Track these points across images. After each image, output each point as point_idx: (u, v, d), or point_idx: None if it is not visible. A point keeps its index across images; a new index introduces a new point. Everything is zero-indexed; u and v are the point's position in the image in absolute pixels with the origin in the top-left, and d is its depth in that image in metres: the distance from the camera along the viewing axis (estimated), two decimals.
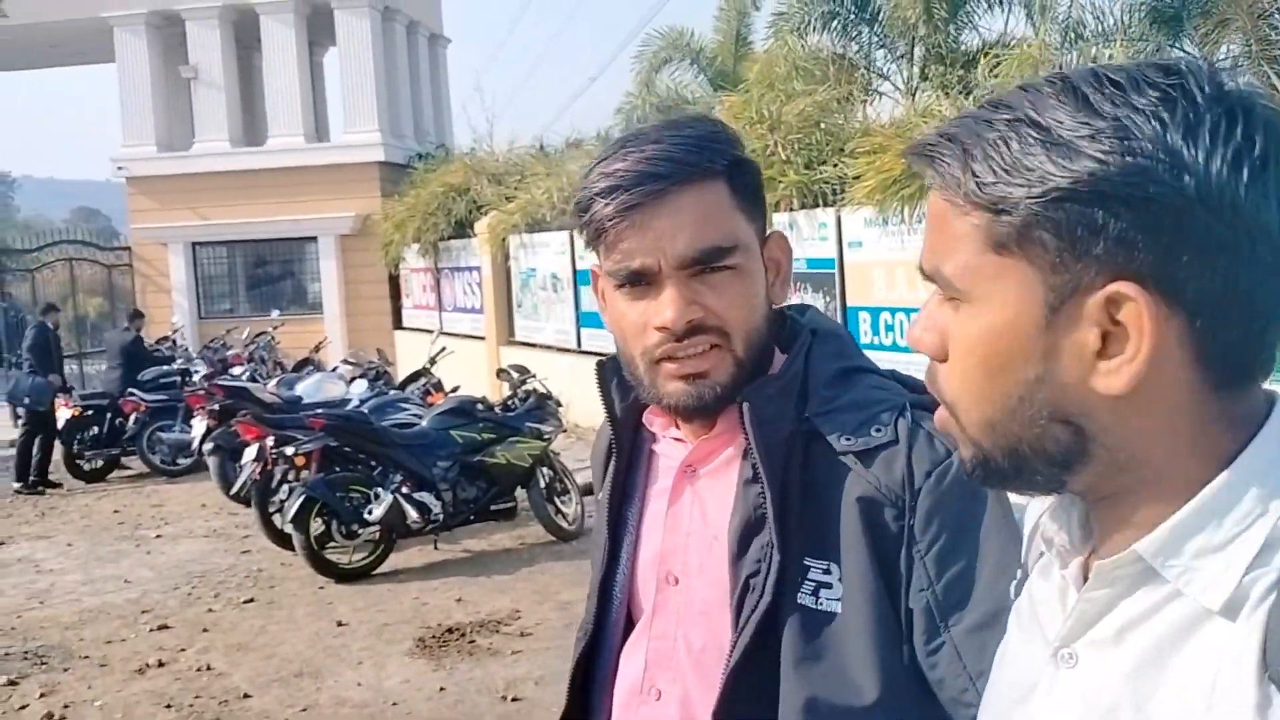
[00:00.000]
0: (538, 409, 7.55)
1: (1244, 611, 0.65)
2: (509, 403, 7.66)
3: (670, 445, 1.22)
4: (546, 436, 7.45)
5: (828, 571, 1.04)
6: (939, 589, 1.00)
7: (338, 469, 7.12)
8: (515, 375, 7.81)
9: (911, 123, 7.78)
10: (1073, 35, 8.97)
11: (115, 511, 9.26)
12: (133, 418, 10.88)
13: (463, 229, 14.55)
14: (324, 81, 20.43)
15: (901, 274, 7.02)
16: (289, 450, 6.93)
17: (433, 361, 9.05)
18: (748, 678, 1.07)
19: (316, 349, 12.75)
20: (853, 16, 10.93)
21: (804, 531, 1.06)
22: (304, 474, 7.20)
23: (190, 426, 10.61)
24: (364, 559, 6.87)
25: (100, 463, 10.84)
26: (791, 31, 10.38)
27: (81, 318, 18.82)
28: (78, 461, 10.66)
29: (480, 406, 7.49)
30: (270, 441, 7.39)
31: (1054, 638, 0.74)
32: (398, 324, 17.44)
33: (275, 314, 17.16)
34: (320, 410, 7.45)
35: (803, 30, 10.51)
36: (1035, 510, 0.87)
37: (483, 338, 13.97)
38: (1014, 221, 0.67)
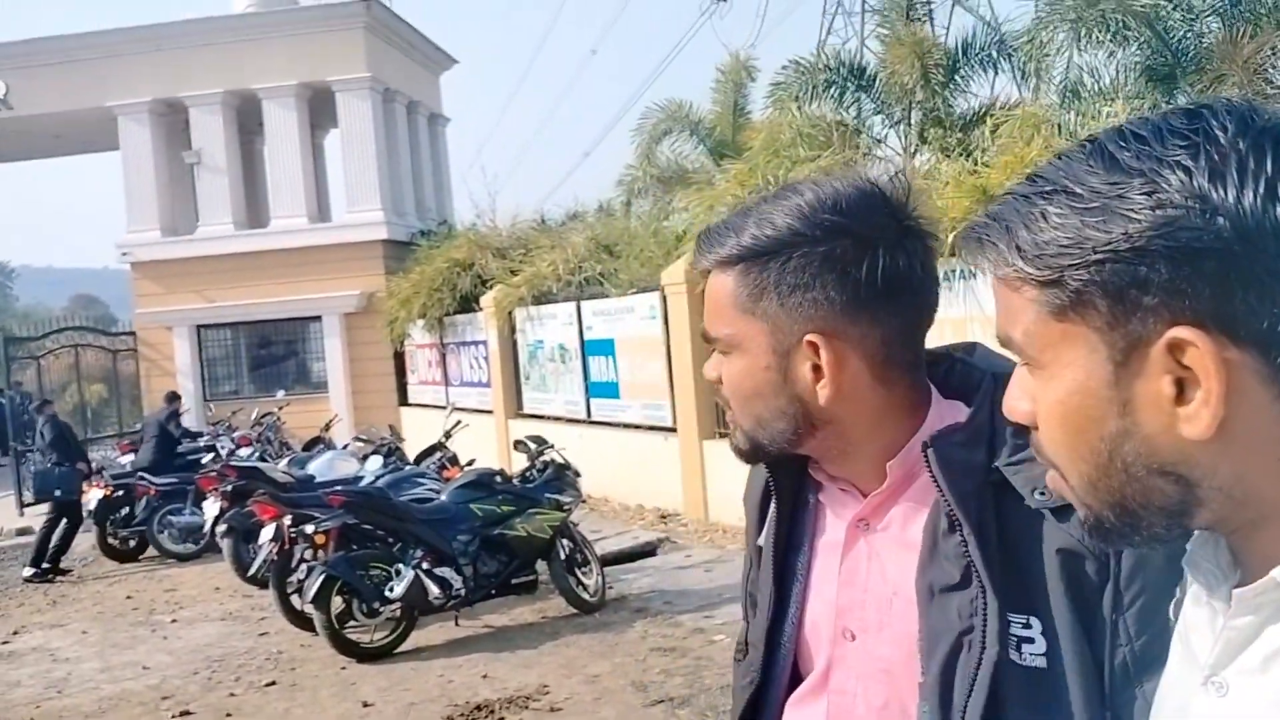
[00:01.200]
0: (556, 479, 7.52)
1: None
2: (527, 474, 7.63)
3: (837, 496, 1.21)
4: (566, 507, 7.41)
5: (1028, 625, 1.01)
6: (1137, 647, 0.97)
7: (355, 547, 7.06)
8: (533, 446, 7.79)
9: (911, 179, 7.88)
10: (1070, 95, 9.13)
11: (128, 597, 9.16)
12: (143, 502, 10.84)
13: (468, 304, 14.64)
14: (325, 162, 20.68)
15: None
16: (308, 529, 6.89)
17: (448, 435, 9.04)
18: None
19: (327, 427, 12.74)
20: (850, 83, 11.12)
21: (1005, 584, 1.01)
22: (321, 553, 7.17)
23: (200, 509, 10.58)
24: (386, 637, 6.78)
25: (134, 542, 10.80)
26: (791, 100, 10.56)
27: (84, 404, 18.81)
28: (110, 541, 10.63)
29: (499, 479, 7.46)
30: (288, 521, 7.34)
31: (1204, 665, 0.75)
32: (403, 400, 17.44)
33: (280, 394, 17.18)
34: (338, 488, 7.40)
35: (801, 99, 10.69)
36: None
37: (490, 411, 13.96)
38: (1064, 291, 0.70)
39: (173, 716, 5.91)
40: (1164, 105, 9.17)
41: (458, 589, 6.91)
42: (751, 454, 1.20)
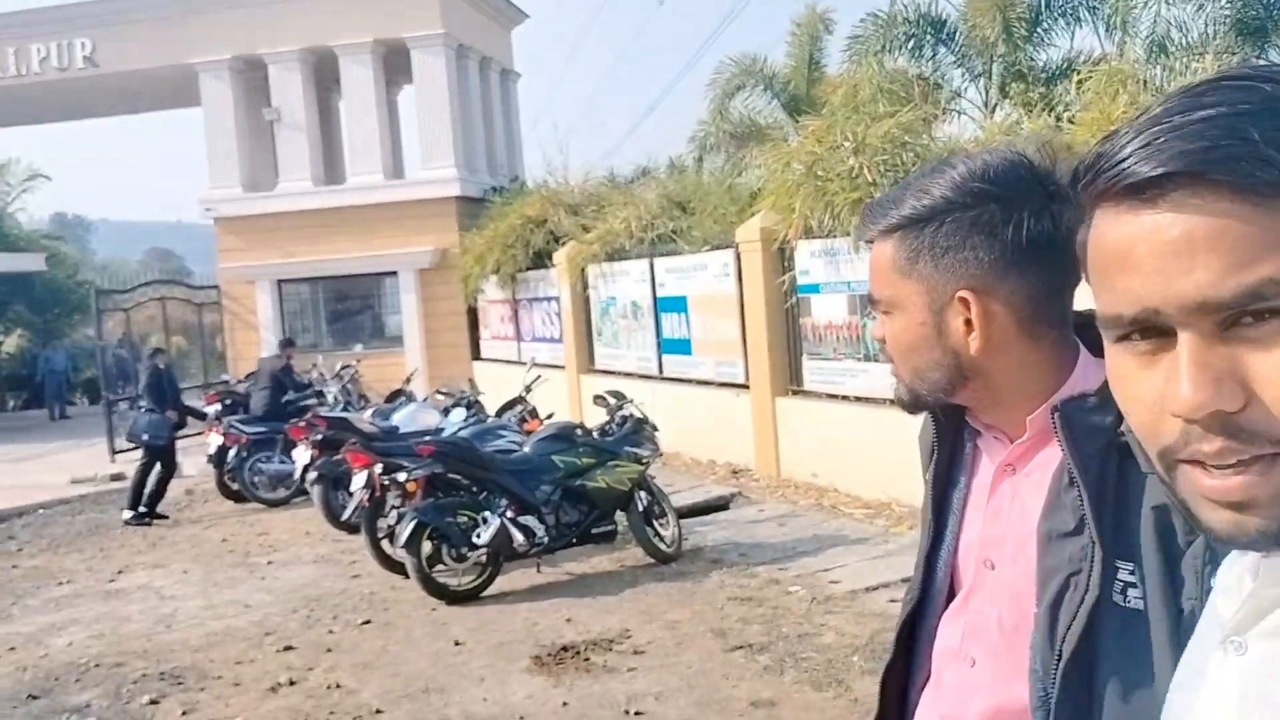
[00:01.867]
0: (635, 433, 7.71)
1: None
2: (606, 428, 7.82)
3: (990, 442, 1.35)
4: (644, 460, 7.59)
5: (1132, 572, 1.11)
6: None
7: (441, 495, 7.33)
8: (613, 401, 7.98)
9: (996, 141, 7.86)
10: (1157, 50, 8.98)
11: (223, 540, 9.57)
12: (235, 449, 11.27)
13: (541, 260, 14.83)
14: (399, 119, 20.92)
15: None
16: (401, 477, 7.16)
17: (528, 389, 9.27)
18: (1071, 675, 1.13)
19: (407, 381, 13.06)
20: (929, 37, 11.02)
21: (1114, 535, 1.12)
22: (409, 500, 7.47)
23: (289, 458, 11.00)
24: (473, 581, 7.05)
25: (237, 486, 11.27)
26: (870, 54, 10.50)
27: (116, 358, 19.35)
28: (228, 483, 11.08)
29: (579, 432, 7.66)
30: (378, 469, 7.64)
31: (1227, 625, 0.76)
32: (476, 355, 17.75)
33: (358, 347, 17.62)
34: (428, 438, 7.65)
35: (881, 52, 10.63)
36: None
37: (562, 366, 14.19)
38: None
39: (276, 651, 6.23)
40: (1254, 59, 8.97)
41: (540, 537, 7.15)
42: (912, 404, 1.34)
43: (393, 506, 7.54)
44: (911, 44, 11.17)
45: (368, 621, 6.69)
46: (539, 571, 7.40)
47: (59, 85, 19.13)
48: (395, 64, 18.50)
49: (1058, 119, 8.05)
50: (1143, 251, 0.69)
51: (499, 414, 9.12)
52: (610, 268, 12.84)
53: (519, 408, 8.97)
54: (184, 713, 5.34)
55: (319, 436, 9.68)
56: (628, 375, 12.56)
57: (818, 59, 14.24)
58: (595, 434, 7.70)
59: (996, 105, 10.66)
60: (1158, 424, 0.71)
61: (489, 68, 19.85)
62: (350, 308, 19.26)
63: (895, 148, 8.22)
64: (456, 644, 6.14)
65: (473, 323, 17.88)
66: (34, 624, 7.10)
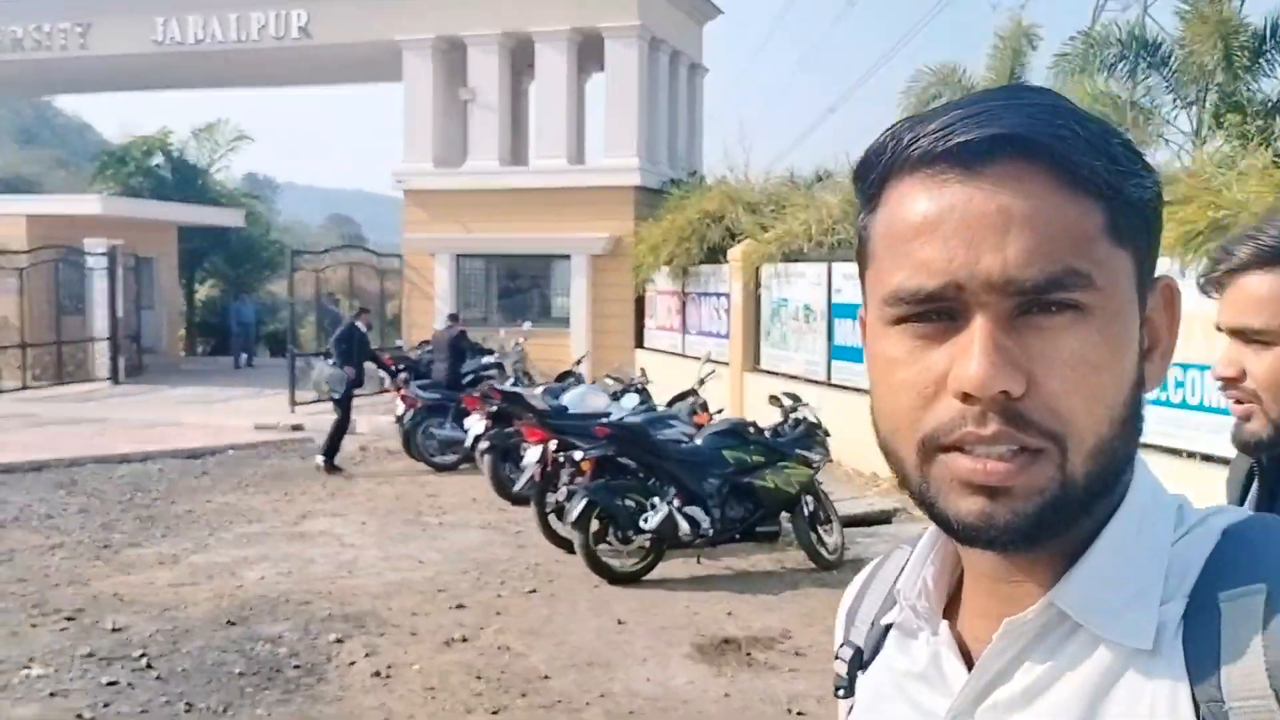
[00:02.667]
0: (807, 437, 7.74)
1: (1165, 644, 0.67)
2: (779, 429, 7.87)
3: None
4: (814, 465, 7.62)
5: None
6: None
7: (610, 476, 7.51)
8: (787, 402, 8.02)
9: (1207, 173, 7.56)
10: None
11: (396, 498, 10.03)
12: (410, 413, 11.78)
13: (714, 255, 14.93)
14: (585, 106, 21.34)
15: (1199, 329, 6.82)
16: (576, 455, 7.38)
17: (701, 383, 9.39)
18: None
19: (578, 363, 13.40)
20: (1141, 59, 10.64)
21: None
22: (578, 479, 7.69)
23: (460, 425, 11.43)
24: (636, 564, 7.22)
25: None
26: (1077, 73, 10.21)
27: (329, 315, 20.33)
28: (422, 446, 11.60)
29: (751, 429, 7.74)
30: (552, 445, 7.89)
31: (944, 711, 0.73)
32: (639, 343, 18.00)
33: (527, 325, 18.08)
34: (604, 420, 7.85)
35: (1089, 71, 10.32)
36: (856, 590, 0.91)
37: (726, 363, 14.27)
38: None
39: (449, 608, 6.53)
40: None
41: (705, 529, 7.27)
42: (1271, 443, 1.32)
43: (564, 484, 7.78)
44: (1121, 65, 10.80)
45: (534, 590, 6.94)
46: (699, 563, 7.53)
47: (274, 53, 20.25)
48: (588, 52, 18.89)
49: (1276, 155, 7.67)
50: (955, 222, 0.66)
51: (670, 405, 9.27)
52: (786, 269, 12.85)
53: (690, 400, 9.10)
54: (366, 654, 5.67)
55: (493, 408, 10.03)
56: (793, 378, 12.54)
57: (1019, 74, 13.91)
58: (767, 434, 7.76)
59: (1208, 136, 10.21)
60: (927, 408, 0.68)
61: (678, 61, 20.07)
62: (520, 286, 19.79)
63: None
64: (619, 622, 6.31)
65: (639, 311, 18.13)
66: (228, 556, 7.62)
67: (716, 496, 7.36)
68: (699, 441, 7.66)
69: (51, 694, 4.92)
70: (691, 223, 15.21)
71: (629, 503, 7.19)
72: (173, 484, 10.18)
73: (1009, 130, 0.66)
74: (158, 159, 26.23)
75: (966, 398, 0.65)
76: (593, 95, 21.11)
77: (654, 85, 18.87)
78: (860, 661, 0.85)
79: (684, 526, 7.17)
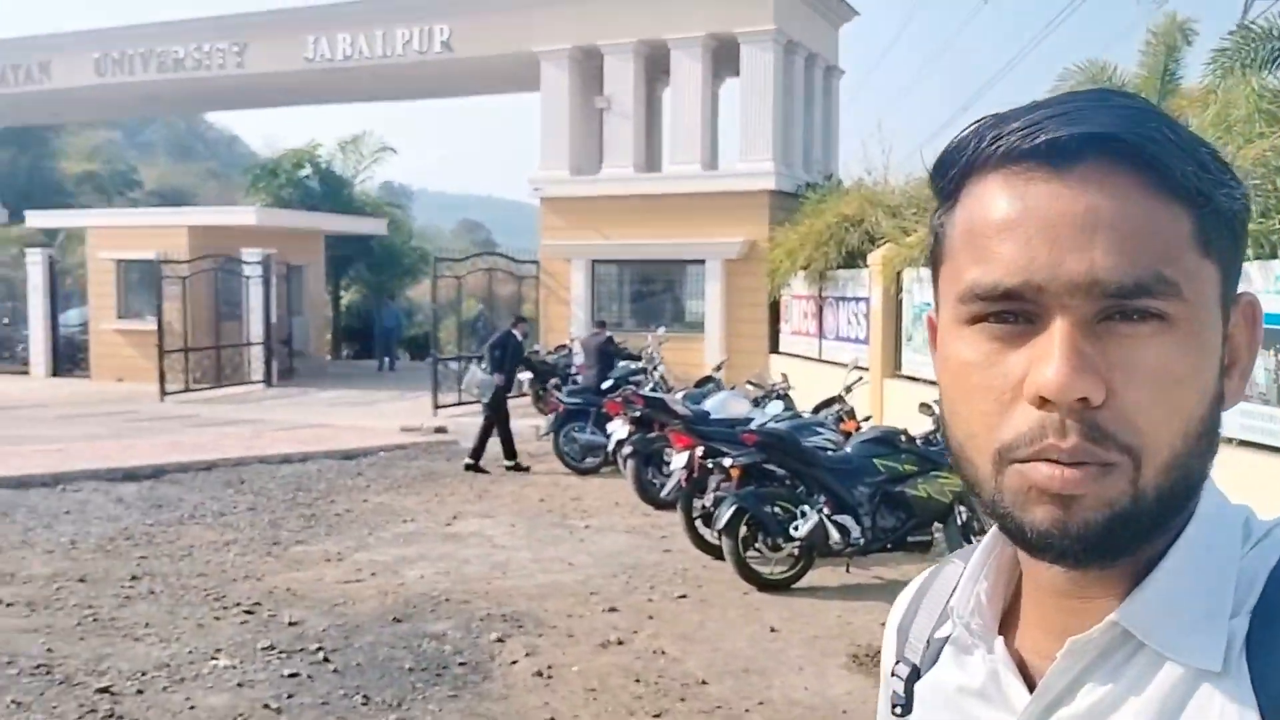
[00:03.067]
0: None
1: (1231, 663, 0.65)
2: (931, 437, 7.77)
3: None
4: None
5: None
6: None
7: (755, 483, 7.53)
8: (938, 410, 7.90)
9: None
10: None
11: (540, 500, 10.25)
12: (552, 417, 12.02)
13: (853, 259, 14.78)
14: (718, 111, 21.39)
15: None
16: (726, 461, 7.42)
17: (848, 390, 9.34)
18: None
19: (717, 369, 13.44)
20: None
21: None
22: (724, 485, 7.74)
23: (600, 430, 11.61)
24: (785, 572, 7.22)
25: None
26: (1237, 68, 9.78)
27: (469, 322, 20.86)
28: (564, 450, 11.88)
29: (903, 438, 7.66)
30: (699, 451, 7.96)
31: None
32: (774, 348, 17.94)
33: (661, 330, 18.22)
34: (754, 427, 7.88)
35: (1252, 66, 9.87)
36: (906, 605, 0.89)
37: (865, 369, 14.11)
38: None
39: (602, 610, 6.65)
40: None
41: (856, 537, 7.22)
42: None
43: (713, 490, 7.83)
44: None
45: (684, 596, 7.01)
46: (848, 571, 7.49)
47: (416, 67, 20.90)
48: (722, 57, 18.94)
49: None
50: (1038, 221, 0.64)
51: (815, 412, 9.24)
52: (929, 273, 12.61)
53: (836, 407, 9.06)
54: (526, 654, 5.82)
55: (635, 413, 10.16)
56: (933, 383, 12.32)
57: (1173, 70, 13.37)
58: (919, 441, 7.67)
59: None
60: (1005, 415, 0.65)
61: (814, 64, 19.94)
62: (653, 290, 19.94)
63: (1270, 172, 7.65)
64: (772, 630, 6.33)
65: (773, 316, 18.07)
66: (388, 555, 7.91)
67: (867, 505, 7.31)
68: (848, 449, 7.62)
69: (239, 684, 5.20)
70: (829, 227, 15.08)
71: (778, 510, 7.20)
72: (331, 483, 10.60)
73: (1099, 130, 0.64)
74: (306, 171, 27.33)
75: (1044, 403, 0.63)
76: (726, 100, 21.15)
77: (789, 89, 18.80)
78: (917, 678, 0.84)
79: (834, 535, 7.14)
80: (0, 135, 39.81)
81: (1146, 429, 0.64)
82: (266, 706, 4.93)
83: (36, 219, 24.49)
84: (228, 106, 26.72)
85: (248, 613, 6.36)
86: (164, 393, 18.80)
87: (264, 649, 5.71)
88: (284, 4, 21.72)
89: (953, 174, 0.70)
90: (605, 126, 19.25)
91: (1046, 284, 0.64)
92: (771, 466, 7.54)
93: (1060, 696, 0.69)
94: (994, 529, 0.74)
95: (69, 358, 23.21)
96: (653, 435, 10.02)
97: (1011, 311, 0.66)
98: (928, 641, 0.84)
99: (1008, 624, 0.77)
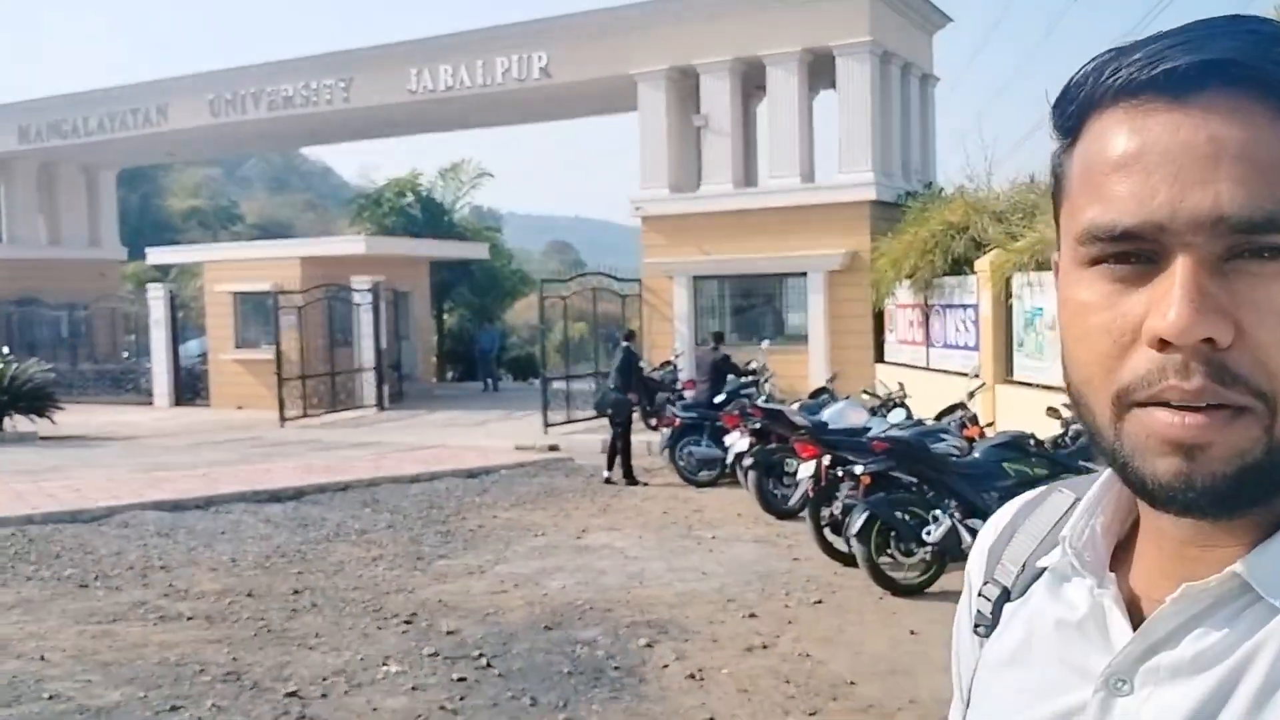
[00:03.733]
0: (1089, 449, 7.62)
1: None
2: (1059, 440, 7.80)
3: None
4: None
5: None
6: None
7: (883, 491, 7.63)
8: (1066, 414, 7.94)
9: None
10: None
11: (664, 513, 10.47)
12: (668, 432, 12.27)
13: (959, 266, 14.75)
14: (813, 124, 21.51)
15: None
16: (857, 469, 7.56)
17: (971, 396, 9.38)
18: None
19: (831, 380, 13.56)
20: None
21: None
22: (851, 494, 7.87)
23: (714, 443, 11.82)
24: (918, 577, 7.32)
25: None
26: None
27: (570, 341, 21.27)
28: (680, 464, 12.15)
29: (1032, 442, 7.70)
30: (826, 460, 8.10)
31: (1102, 665, 0.69)
32: (879, 357, 17.93)
33: (765, 343, 18.35)
34: (884, 435, 8.00)
35: None
36: (1001, 527, 0.87)
37: (977, 374, 14.05)
38: None
39: (741, 617, 6.83)
40: None
41: None
42: None
43: (842, 498, 7.96)
44: None
45: (820, 601, 7.15)
46: None
47: (515, 94, 21.42)
48: (817, 70, 19.06)
49: None
50: (1159, 154, 0.61)
51: (937, 418, 9.31)
52: (1039, 277, 12.56)
53: (959, 413, 9.11)
54: (676, 658, 6.03)
55: (755, 425, 10.34)
56: (1048, 388, 12.25)
57: None
58: (1049, 446, 7.70)
59: None
60: (1123, 358, 0.63)
61: (910, 73, 19.93)
62: (754, 304, 20.09)
63: None
64: (912, 633, 6.44)
65: (878, 325, 18.07)
66: (528, 567, 8.20)
67: (996, 509, 7.35)
68: (976, 454, 7.70)
69: (413, 688, 5.51)
70: (934, 235, 15.07)
71: (909, 516, 7.31)
72: (460, 501, 10.98)
73: (1222, 55, 0.60)
74: (408, 199, 28.12)
75: (1164, 345, 0.60)
76: (821, 112, 21.24)
77: (886, 98, 18.82)
78: (1007, 599, 0.81)
79: (966, 539, 7.21)
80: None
81: None
82: (442, 708, 5.22)
83: (156, 255, 25.66)
84: (332, 140, 27.67)
85: (406, 623, 6.69)
86: (283, 419, 19.54)
87: (429, 655, 6.02)
88: (387, 39, 22.42)
89: (1071, 110, 0.67)
90: (703, 144, 19.49)
91: (1168, 222, 0.60)
92: (899, 474, 7.65)
93: (1165, 640, 0.66)
94: None
95: (190, 388, 24.23)
96: (773, 446, 10.19)
97: (1132, 252, 0.62)
98: (1023, 566, 0.81)
99: (1119, 562, 0.74)
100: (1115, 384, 0.63)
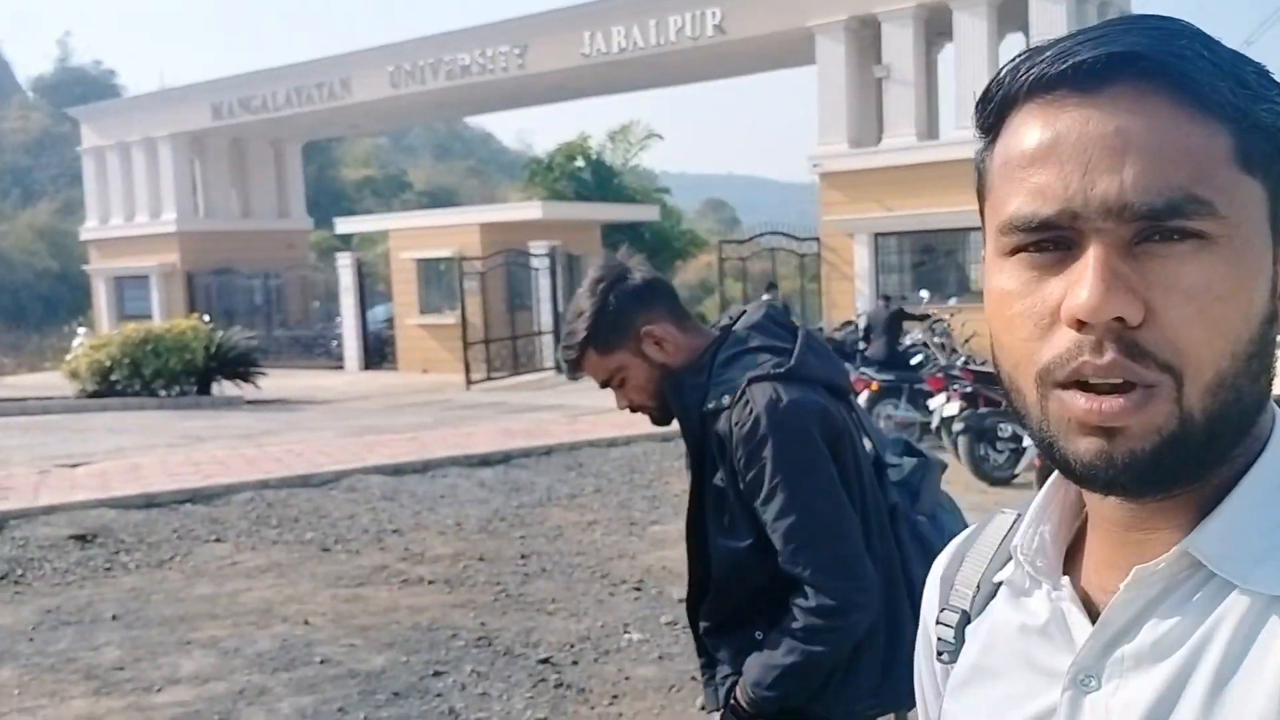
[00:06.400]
0: None
1: None
2: None
3: None
4: None
5: (717, 470, 2.09)
6: (747, 478, 2.03)
7: None
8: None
9: None
10: None
11: None
12: (864, 394, 12.00)
13: None
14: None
15: None
16: None
17: None
18: (699, 527, 2.23)
19: None
20: None
21: (704, 450, 2.12)
22: None
23: (911, 406, 11.53)
24: None
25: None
26: None
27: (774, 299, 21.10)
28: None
29: None
30: None
31: (1067, 664, 0.70)
32: None
33: (953, 300, 17.79)
34: None
35: None
36: (950, 555, 0.89)
37: None
38: None
39: None
40: None
41: None
42: None
43: None
44: None
45: None
46: None
47: (689, 53, 21.24)
48: (1006, 13, 18.21)
49: None
50: (1070, 146, 0.63)
51: None
52: None
53: None
54: None
55: (966, 389, 10.01)
56: None
57: None
58: None
59: None
60: (1044, 339, 0.65)
61: (1106, 10, 18.85)
62: (936, 260, 19.49)
63: None
64: None
65: None
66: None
67: None
68: None
69: (659, 657, 5.53)
70: None
71: None
72: (659, 465, 11.02)
73: (1127, 49, 0.63)
74: (579, 162, 28.37)
75: (1081, 325, 0.63)
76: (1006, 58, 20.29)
77: None
78: (968, 622, 0.83)
79: None
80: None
81: (1188, 348, 0.62)
82: (694, 679, 5.22)
83: (344, 225, 26.64)
84: (507, 107, 28.06)
85: (636, 589, 6.73)
86: (469, 381, 20.09)
87: (667, 624, 6.03)
88: (561, 4, 22.57)
89: (990, 109, 0.70)
90: (885, 95, 18.93)
91: (1080, 209, 0.63)
92: None
93: (1124, 630, 0.68)
94: (1055, 473, 0.74)
95: (377, 352, 25.20)
96: (984, 411, 9.85)
97: (1049, 240, 0.65)
98: (978, 585, 0.83)
99: (1072, 565, 0.76)
100: (1037, 364, 0.66)
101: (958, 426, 9.83)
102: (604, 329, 2.14)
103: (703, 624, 2.28)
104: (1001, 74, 0.70)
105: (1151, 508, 0.68)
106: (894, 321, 13.66)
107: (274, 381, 20.26)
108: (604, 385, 2.22)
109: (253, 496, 9.15)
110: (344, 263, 24.86)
